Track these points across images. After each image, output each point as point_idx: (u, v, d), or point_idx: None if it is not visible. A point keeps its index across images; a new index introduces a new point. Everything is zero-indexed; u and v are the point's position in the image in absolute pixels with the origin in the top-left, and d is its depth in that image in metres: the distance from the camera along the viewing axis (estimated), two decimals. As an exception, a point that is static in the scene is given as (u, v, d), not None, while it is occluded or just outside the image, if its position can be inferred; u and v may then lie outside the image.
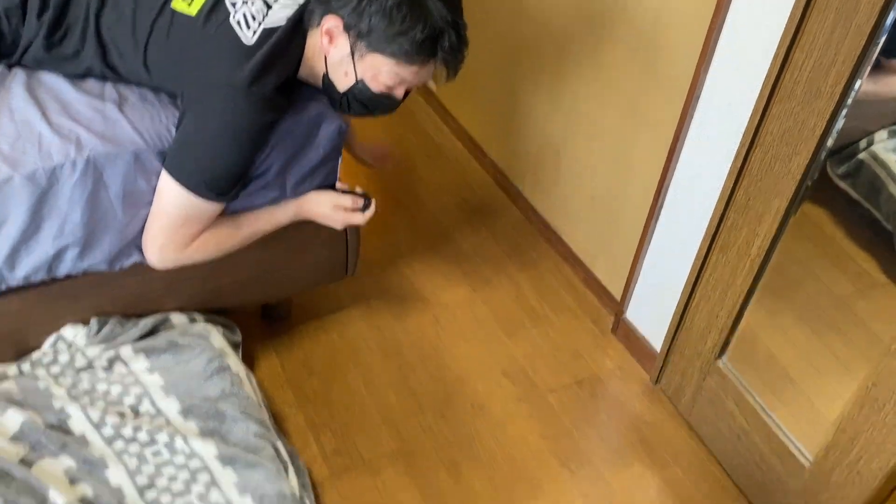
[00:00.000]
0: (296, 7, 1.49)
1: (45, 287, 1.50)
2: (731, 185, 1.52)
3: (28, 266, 1.43)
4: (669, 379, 1.89)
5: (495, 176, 2.55)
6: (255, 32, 1.43)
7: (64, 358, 1.55)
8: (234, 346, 1.69)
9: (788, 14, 1.33)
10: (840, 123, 1.33)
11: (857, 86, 1.28)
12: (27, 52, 1.47)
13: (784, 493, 1.58)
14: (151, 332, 1.62)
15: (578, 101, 2.03)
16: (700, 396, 1.78)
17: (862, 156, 1.39)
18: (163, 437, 1.46)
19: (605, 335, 2.08)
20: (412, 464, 1.71)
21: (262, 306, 1.97)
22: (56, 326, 1.57)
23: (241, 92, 1.38)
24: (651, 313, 1.92)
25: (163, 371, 1.55)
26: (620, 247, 2.00)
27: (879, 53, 1.25)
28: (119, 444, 1.44)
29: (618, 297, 2.06)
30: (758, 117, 1.43)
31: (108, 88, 1.50)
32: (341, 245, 1.79)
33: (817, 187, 1.42)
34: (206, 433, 1.49)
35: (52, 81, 1.48)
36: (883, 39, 1.23)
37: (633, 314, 2.00)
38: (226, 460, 1.44)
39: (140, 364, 1.57)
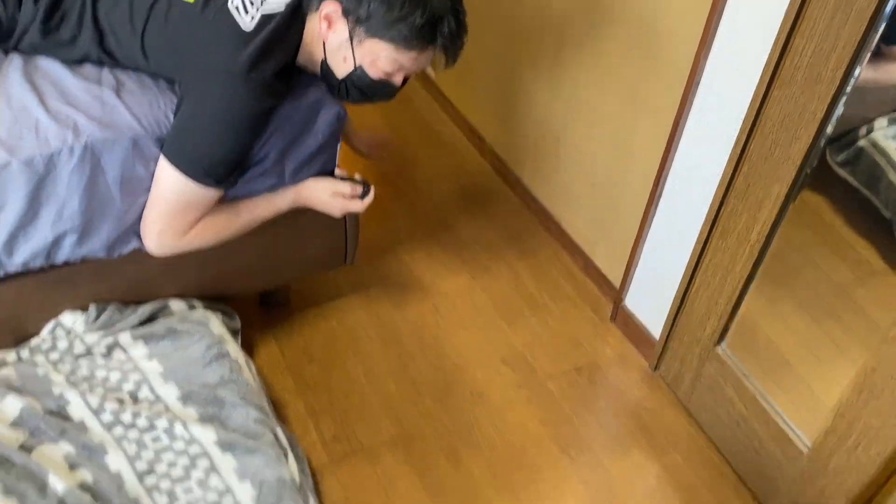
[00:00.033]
0: (294, -8, 1.48)
1: (43, 273, 1.49)
2: (731, 171, 1.52)
3: (26, 252, 1.43)
4: (668, 366, 1.89)
5: (494, 163, 2.55)
6: (253, 18, 1.42)
7: (63, 344, 1.55)
8: (234, 332, 1.69)
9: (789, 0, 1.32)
10: (840, 110, 1.33)
11: (857, 71, 1.28)
12: (23, 37, 1.47)
13: (783, 478, 1.59)
14: (150, 318, 1.62)
15: (578, 88, 2.03)
16: (699, 383, 1.78)
17: (862, 143, 1.39)
18: (162, 423, 1.46)
19: (605, 322, 2.08)
20: (411, 450, 1.71)
21: (261, 293, 1.97)
22: (55, 313, 1.57)
23: (240, 78, 1.38)
24: (650, 300, 1.92)
25: (162, 357, 1.55)
26: (620, 234, 2.00)
27: (880, 40, 1.24)
28: (118, 430, 1.44)
29: (617, 284, 2.06)
30: (758, 103, 1.42)
31: (106, 74, 1.49)
32: (340, 232, 1.79)
33: (817, 175, 1.42)
34: (205, 419, 1.49)
35: (50, 67, 1.47)
36: (883, 26, 1.23)
37: (632, 301, 2.00)
38: (225, 446, 1.45)
39: (139, 351, 1.57)
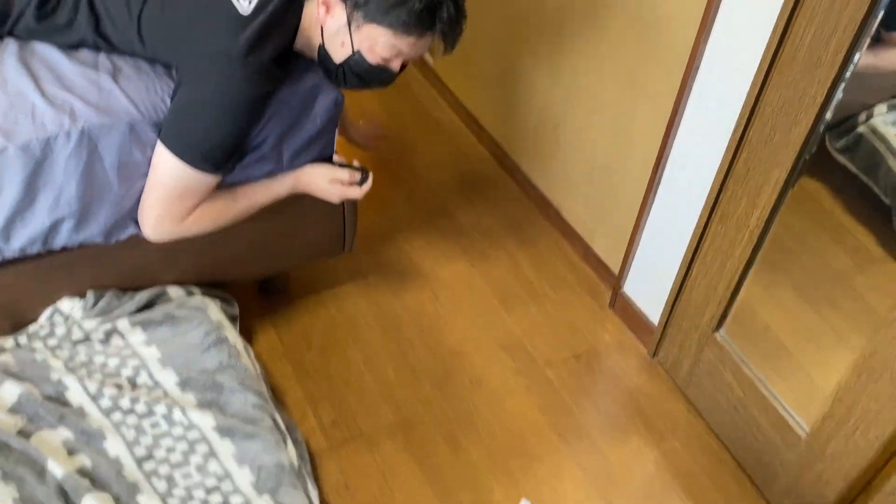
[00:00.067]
0: (292, -24, 1.47)
1: (40, 259, 1.49)
2: (731, 156, 1.52)
3: (23, 238, 1.43)
4: (667, 352, 1.89)
5: (493, 150, 2.54)
6: (251, 2, 1.41)
7: (61, 331, 1.55)
8: (232, 318, 1.69)
9: (789, -18, 1.32)
10: (840, 96, 1.32)
11: (857, 56, 1.27)
12: (18, 22, 1.46)
13: (781, 463, 1.59)
14: (148, 305, 1.61)
15: (577, 75, 2.02)
16: (698, 369, 1.78)
17: (861, 129, 1.39)
18: (161, 409, 1.46)
19: (603, 309, 2.08)
20: (411, 437, 1.71)
21: (260, 281, 1.96)
22: (52, 299, 1.57)
23: (237, 62, 1.37)
24: (649, 287, 1.92)
25: (160, 343, 1.55)
26: (619, 220, 2.00)
27: (879, 25, 1.24)
28: (117, 416, 1.44)
29: (616, 271, 2.06)
30: (758, 87, 1.42)
31: (102, 59, 1.48)
32: (338, 219, 1.78)
33: (816, 161, 1.41)
34: (203, 405, 1.49)
35: (45, 52, 1.47)
36: (882, 12, 1.22)
37: (630, 288, 2.00)
38: (224, 431, 1.45)
39: (137, 337, 1.56)
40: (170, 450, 1.42)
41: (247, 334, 1.82)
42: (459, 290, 2.08)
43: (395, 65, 1.51)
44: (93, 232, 1.48)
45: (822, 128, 1.37)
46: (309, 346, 1.88)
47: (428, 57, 2.83)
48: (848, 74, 1.29)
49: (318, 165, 1.61)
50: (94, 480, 1.33)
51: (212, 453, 1.43)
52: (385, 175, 2.40)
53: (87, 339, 1.55)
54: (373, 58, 1.47)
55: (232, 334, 1.61)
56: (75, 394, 1.45)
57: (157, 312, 1.59)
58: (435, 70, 2.82)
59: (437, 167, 2.49)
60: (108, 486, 1.34)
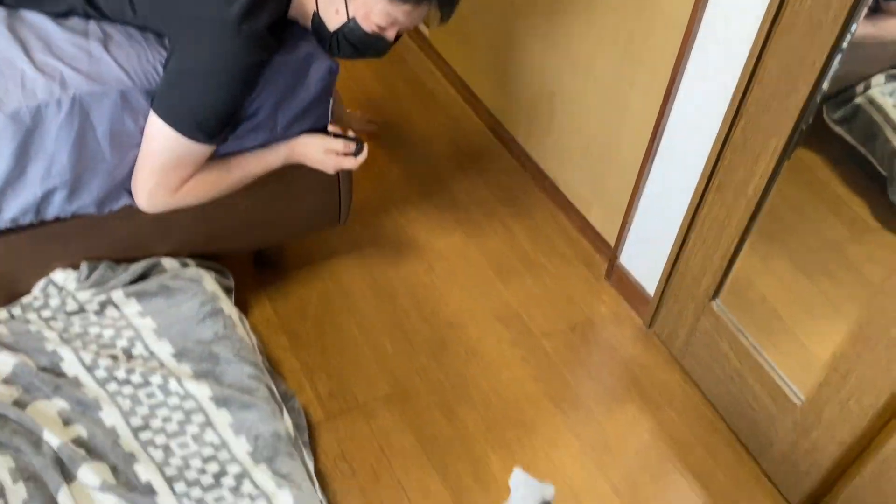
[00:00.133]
0: (286, -59, 1.44)
1: (33, 230, 1.48)
2: (729, 125, 1.51)
3: (15, 208, 1.41)
4: (663, 322, 1.89)
5: (489, 122, 2.53)
6: (244, -32, 1.39)
7: (55, 302, 1.54)
8: (227, 290, 1.68)
9: (789, -54, 1.30)
10: (839, 64, 1.31)
11: (856, 22, 1.26)
12: (7, -12, 1.43)
13: (776, 432, 1.60)
14: (143, 276, 1.61)
15: (573, 44, 2.00)
16: (693, 339, 1.79)
17: (859, 100, 1.38)
18: (156, 379, 1.46)
19: (599, 280, 2.08)
20: (407, 407, 1.71)
21: (255, 253, 1.95)
22: (46, 270, 1.56)
23: (232, 30, 1.35)
24: (645, 258, 1.92)
25: (155, 314, 1.55)
26: (615, 191, 1.99)
27: (879, -6, 1.23)
28: (112, 386, 1.43)
29: (612, 242, 2.05)
30: (756, 53, 1.41)
31: (93, 26, 1.46)
32: (333, 190, 1.77)
33: (813, 133, 1.41)
34: (199, 375, 1.49)
35: (34, 19, 1.44)
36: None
37: (626, 259, 2.00)
38: (220, 401, 1.45)
39: (132, 308, 1.56)
40: (166, 420, 1.42)
41: (242, 306, 1.81)
42: (455, 261, 2.07)
43: (391, 34, 1.49)
44: (86, 202, 1.47)
45: (821, 94, 1.36)
46: (304, 317, 1.88)
47: (423, 27, 2.80)
48: (847, 39, 1.28)
49: (313, 136, 1.59)
50: (91, 450, 1.33)
51: (208, 423, 1.43)
52: (380, 147, 2.39)
53: (81, 310, 1.54)
54: (368, 25, 1.45)
55: (227, 305, 1.61)
56: (70, 365, 1.45)
57: (151, 283, 1.58)
58: (430, 41, 2.79)
59: (433, 139, 2.47)
60: (104, 455, 1.34)
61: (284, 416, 1.49)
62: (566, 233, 2.20)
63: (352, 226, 2.06)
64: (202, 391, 1.45)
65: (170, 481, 1.35)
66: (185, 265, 1.65)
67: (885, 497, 1.39)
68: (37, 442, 1.31)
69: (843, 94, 1.38)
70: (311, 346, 1.81)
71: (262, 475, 1.38)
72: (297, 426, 1.53)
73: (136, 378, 1.45)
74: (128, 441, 1.37)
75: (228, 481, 1.38)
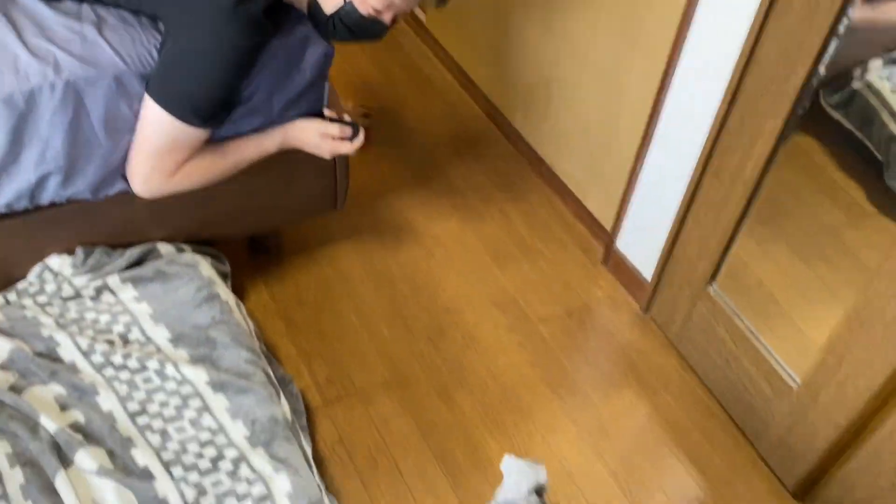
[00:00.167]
0: (281, -77, 1.43)
1: (28, 215, 1.47)
2: (726, 108, 1.50)
3: (10, 193, 1.41)
4: (659, 307, 1.89)
5: (486, 108, 2.52)
6: (239, -50, 1.37)
7: (50, 287, 1.54)
8: (223, 276, 1.67)
9: (787, -73, 1.29)
10: (836, 49, 1.31)
11: (851, 8, 1.25)
12: (-1, -28, 1.42)
13: (772, 415, 1.60)
14: (138, 261, 1.60)
15: (570, 28, 1.99)
16: (690, 323, 1.79)
17: (856, 85, 1.38)
18: (153, 364, 1.46)
19: (596, 266, 2.08)
20: (405, 392, 1.72)
21: (250, 240, 1.95)
22: (41, 256, 1.55)
23: (228, 13, 1.34)
24: (642, 243, 1.92)
25: (151, 300, 1.54)
26: (612, 176, 1.99)
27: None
28: (109, 371, 1.43)
29: (608, 227, 2.05)
30: (754, 36, 1.40)
31: (86, 10, 1.45)
32: (329, 175, 1.76)
33: (810, 118, 1.41)
34: (196, 360, 1.48)
35: (27, 2, 1.43)
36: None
37: (623, 244, 1.99)
38: (217, 386, 1.45)
39: (128, 293, 1.55)
40: (163, 404, 1.42)
41: (239, 292, 1.81)
42: (452, 247, 2.07)
43: (387, 17, 1.48)
44: (80, 187, 1.46)
45: (817, 78, 1.36)
46: (302, 303, 1.88)
47: (419, 12, 2.79)
48: (844, 23, 1.28)
49: (308, 120, 1.59)
50: (88, 435, 1.33)
51: (205, 408, 1.43)
52: (377, 132, 2.38)
53: (77, 295, 1.54)
54: (364, 9, 1.44)
55: (223, 291, 1.61)
56: (67, 350, 1.44)
57: (147, 269, 1.58)
58: (427, 26, 2.78)
59: (429, 124, 2.47)
60: (101, 440, 1.34)
61: (282, 401, 1.49)
62: (563, 218, 2.20)
63: (349, 211, 2.05)
64: (199, 376, 1.45)
65: (167, 466, 1.35)
66: (180, 250, 1.65)
67: (880, 478, 1.40)
68: (34, 427, 1.31)
69: (840, 78, 1.38)
70: (309, 332, 1.81)
71: (259, 459, 1.38)
72: (294, 410, 1.53)
73: (132, 363, 1.45)
74: (125, 426, 1.37)
75: (226, 465, 1.38)
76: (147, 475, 1.32)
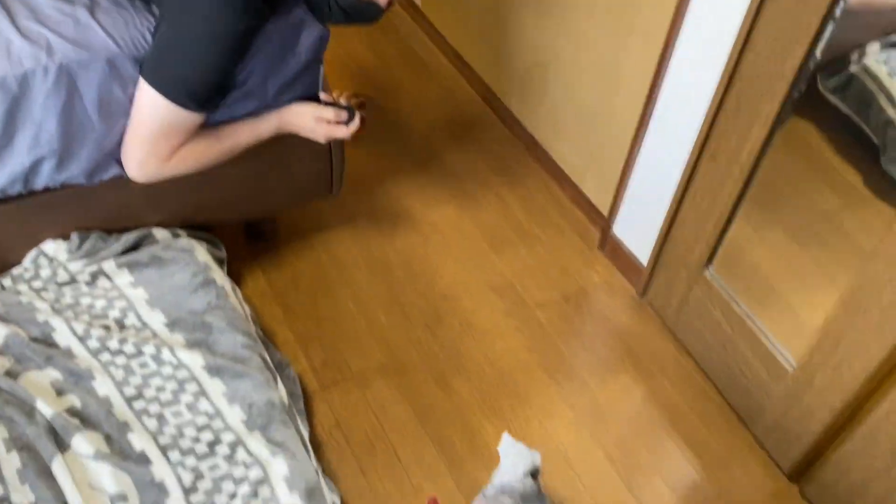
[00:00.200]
0: None
1: (22, 200, 1.47)
2: (723, 90, 1.50)
3: (3, 178, 1.40)
4: (656, 291, 1.89)
5: (482, 92, 2.51)
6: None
7: (46, 273, 1.53)
8: (219, 261, 1.67)
9: None
10: (833, 32, 1.30)
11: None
12: (-10, -46, 1.41)
13: (768, 398, 1.61)
14: (134, 246, 1.60)
15: (567, 11, 1.98)
16: (686, 307, 1.79)
17: (853, 69, 1.38)
18: (149, 349, 1.45)
19: (592, 251, 2.07)
20: (401, 377, 1.72)
21: (247, 225, 1.94)
22: (35, 241, 1.55)
23: None
24: (638, 227, 1.92)
25: (147, 285, 1.54)
26: (609, 160, 1.98)
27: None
28: (105, 356, 1.43)
29: (605, 212, 2.05)
30: (751, 17, 1.39)
31: (78, -8, 1.44)
32: (325, 160, 1.76)
33: (806, 102, 1.40)
34: (192, 345, 1.48)
35: (19, -15, 1.42)
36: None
37: (620, 229, 1.99)
38: (213, 371, 1.45)
39: (124, 278, 1.55)
40: (159, 389, 1.42)
41: (235, 278, 1.81)
42: (449, 232, 2.07)
43: (382, 0, 1.47)
44: (75, 172, 1.45)
45: (815, 59, 1.35)
46: (298, 289, 1.87)
47: (415, -3, 2.77)
48: (841, 4, 1.27)
49: (303, 104, 1.58)
50: (84, 420, 1.33)
51: (202, 392, 1.43)
52: (373, 118, 2.37)
53: (72, 280, 1.54)
54: (359, -9, 1.43)
55: (219, 276, 1.60)
56: (62, 335, 1.44)
57: (143, 254, 1.57)
58: (422, 10, 2.76)
59: (426, 109, 2.46)
60: (98, 425, 1.33)
61: (278, 385, 1.49)
62: (560, 203, 2.20)
63: (345, 197, 2.05)
64: (195, 360, 1.45)
65: (164, 450, 1.35)
66: (176, 236, 1.64)
67: (875, 461, 1.40)
68: (30, 412, 1.31)
69: (837, 62, 1.37)
70: (305, 318, 1.81)
71: (256, 443, 1.38)
72: (291, 395, 1.53)
73: (128, 348, 1.45)
74: (121, 410, 1.37)
75: (223, 449, 1.38)
76: (144, 459, 1.32)
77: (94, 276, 1.55)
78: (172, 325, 1.50)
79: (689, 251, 1.73)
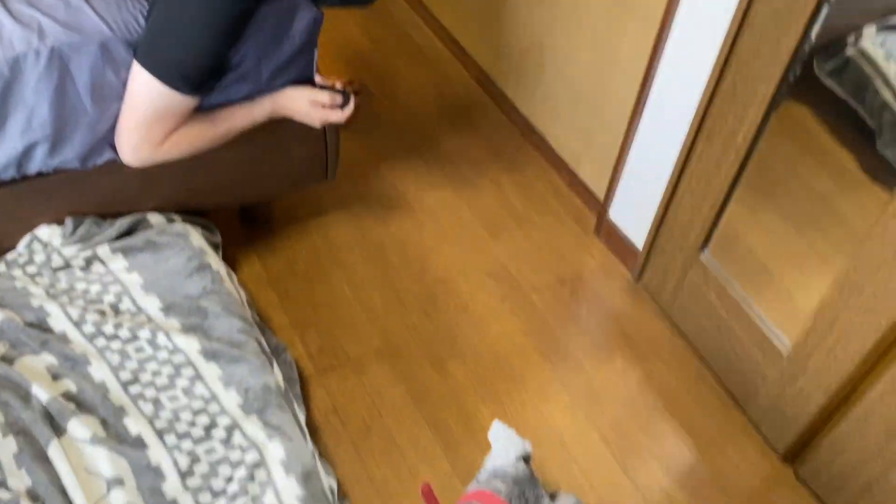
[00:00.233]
0: None
1: (15, 185, 1.46)
2: (719, 73, 1.49)
3: (-4, 162, 1.39)
4: (651, 275, 1.90)
5: (478, 76, 2.50)
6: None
7: (40, 258, 1.53)
8: (214, 246, 1.67)
9: None
10: (829, 14, 1.29)
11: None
12: (-20, -64, 1.39)
13: (762, 379, 1.62)
14: (128, 231, 1.59)
15: (563, -6, 1.97)
16: (681, 290, 1.79)
17: (849, 52, 1.37)
18: (145, 334, 1.45)
19: (588, 235, 2.07)
20: (397, 361, 1.72)
21: (242, 210, 1.94)
22: (29, 226, 1.54)
23: None
24: (634, 212, 1.92)
25: (142, 270, 1.54)
26: (605, 145, 1.98)
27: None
28: (100, 341, 1.43)
29: (601, 197, 2.05)
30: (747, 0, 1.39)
31: (70, -25, 1.42)
32: (320, 144, 1.75)
33: (802, 86, 1.40)
34: (188, 329, 1.48)
35: (9, -32, 1.41)
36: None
37: (616, 214, 1.99)
38: (209, 355, 1.45)
39: (118, 263, 1.55)
40: (155, 373, 1.42)
41: (230, 263, 1.80)
42: (445, 217, 2.06)
43: (376, -18, 1.46)
44: (68, 156, 1.45)
45: (811, 39, 1.35)
46: (294, 274, 1.87)
47: (410, -19, 2.75)
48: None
49: (298, 88, 1.57)
50: (80, 404, 1.33)
51: (198, 376, 1.43)
52: (367, 105, 2.35)
53: (67, 265, 1.53)
54: (353, -26, 1.42)
55: (214, 260, 1.60)
56: (57, 320, 1.44)
57: (137, 239, 1.57)
58: (417, -5, 2.75)
59: (421, 94, 2.45)
60: (94, 409, 1.34)
61: (275, 369, 1.49)
62: (556, 188, 2.19)
63: (340, 182, 2.04)
64: (191, 345, 1.45)
65: (160, 434, 1.35)
66: (171, 220, 1.64)
67: (869, 442, 1.41)
68: (25, 396, 1.31)
69: (833, 45, 1.37)
70: (301, 303, 1.81)
71: (252, 427, 1.38)
72: (288, 379, 1.53)
73: (124, 333, 1.45)
74: (117, 395, 1.37)
75: (219, 433, 1.38)
76: (140, 443, 1.33)
77: (89, 261, 1.54)
78: (167, 309, 1.50)
79: (684, 234, 1.73)
